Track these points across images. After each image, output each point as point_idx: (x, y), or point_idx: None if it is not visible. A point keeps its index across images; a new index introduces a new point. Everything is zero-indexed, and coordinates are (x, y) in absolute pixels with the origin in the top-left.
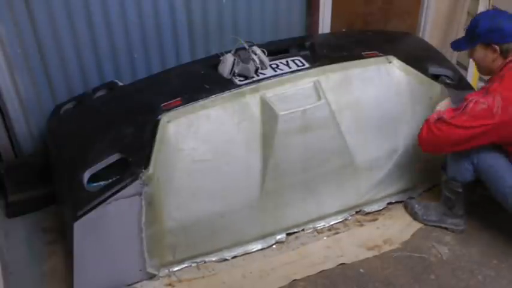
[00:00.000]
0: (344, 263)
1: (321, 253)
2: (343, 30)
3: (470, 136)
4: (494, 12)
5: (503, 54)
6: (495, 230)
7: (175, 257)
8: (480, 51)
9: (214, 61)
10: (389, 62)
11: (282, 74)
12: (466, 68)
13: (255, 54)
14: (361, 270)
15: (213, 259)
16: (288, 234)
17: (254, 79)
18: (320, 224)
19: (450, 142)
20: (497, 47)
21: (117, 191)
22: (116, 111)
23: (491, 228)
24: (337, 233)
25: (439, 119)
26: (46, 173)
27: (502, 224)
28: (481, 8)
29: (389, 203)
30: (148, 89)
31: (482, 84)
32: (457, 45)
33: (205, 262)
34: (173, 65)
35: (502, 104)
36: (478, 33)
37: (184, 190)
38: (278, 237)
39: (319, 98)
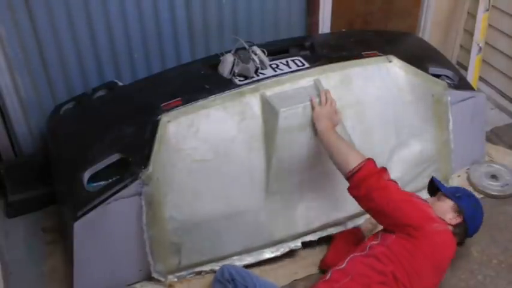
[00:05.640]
0: None
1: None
2: (343, 30)
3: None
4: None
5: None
6: (495, 230)
7: (182, 262)
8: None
9: (214, 61)
10: (390, 62)
11: (282, 73)
12: (466, 68)
13: (255, 54)
14: None
15: None
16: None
17: (254, 79)
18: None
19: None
20: (460, 214)
21: (117, 191)
22: (116, 111)
23: (491, 228)
24: None
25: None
26: (46, 173)
27: (502, 224)
28: (481, 8)
29: None
30: (148, 89)
31: (482, 84)
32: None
33: (214, 271)
34: (173, 65)
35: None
36: (462, 207)
37: (184, 190)
38: (292, 245)
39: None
